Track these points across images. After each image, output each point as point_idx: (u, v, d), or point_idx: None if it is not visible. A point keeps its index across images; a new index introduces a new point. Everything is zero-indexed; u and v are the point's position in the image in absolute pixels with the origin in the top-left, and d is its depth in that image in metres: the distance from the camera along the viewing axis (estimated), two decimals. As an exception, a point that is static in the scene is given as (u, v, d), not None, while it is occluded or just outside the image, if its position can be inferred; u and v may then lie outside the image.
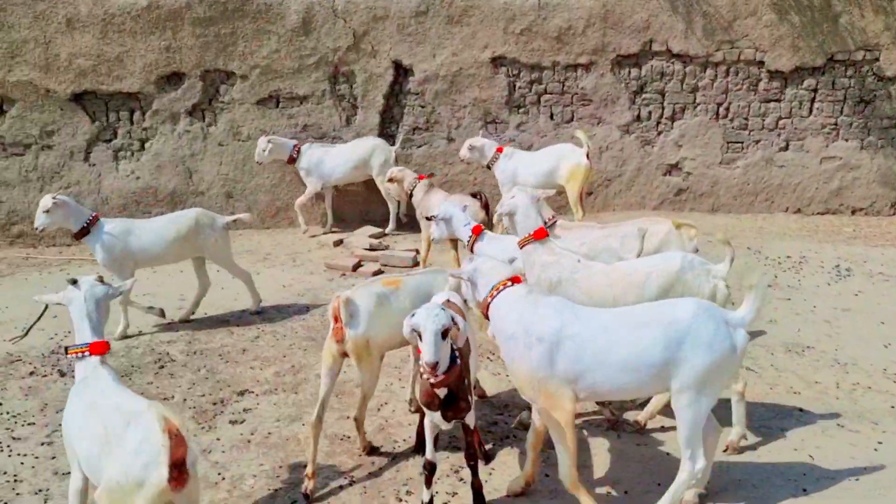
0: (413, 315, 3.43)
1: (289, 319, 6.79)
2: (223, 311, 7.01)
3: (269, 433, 4.87)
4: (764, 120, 9.97)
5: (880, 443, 4.62)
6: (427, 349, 3.29)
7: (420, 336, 3.34)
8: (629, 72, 9.75)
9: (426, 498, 3.86)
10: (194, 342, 6.33)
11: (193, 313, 6.88)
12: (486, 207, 7.38)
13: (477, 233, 5.59)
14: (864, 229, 9.59)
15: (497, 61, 9.62)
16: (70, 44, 9.05)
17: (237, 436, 4.84)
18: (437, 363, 3.31)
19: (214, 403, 5.28)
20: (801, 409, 5.03)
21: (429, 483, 3.84)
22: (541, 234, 4.83)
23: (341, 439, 4.79)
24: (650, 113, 9.91)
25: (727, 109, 9.93)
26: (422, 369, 3.48)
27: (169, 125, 9.50)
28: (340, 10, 9.30)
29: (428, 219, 5.92)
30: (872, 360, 5.78)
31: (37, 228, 6.34)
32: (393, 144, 9.45)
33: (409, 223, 9.42)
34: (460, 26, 9.46)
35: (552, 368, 3.62)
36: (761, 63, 9.73)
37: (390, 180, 8.24)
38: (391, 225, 9.41)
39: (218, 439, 4.80)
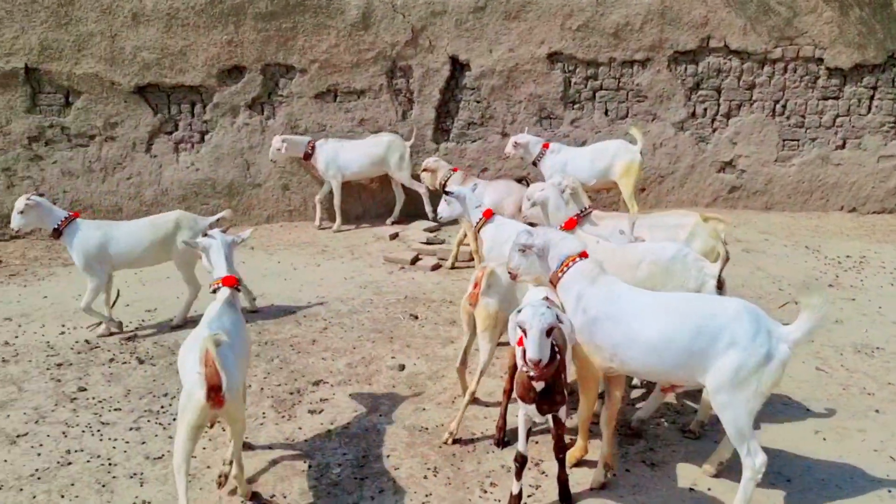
0: (519, 311, 3.51)
1: (354, 312, 6.90)
2: (288, 303, 7.14)
3: (349, 423, 4.98)
4: (821, 118, 9.87)
5: (961, 446, 4.61)
6: (532, 347, 3.39)
7: (525, 333, 3.42)
8: (685, 68, 9.71)
9: (515, 490, 3.93)
10: (264, 332, 6.47)
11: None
12: None
13: (487, 216, 5.80)
14: (922, 229, 9.48)
15: (553, 57, 9.64)
16: (135, 37, 9.24)
17: (317, 425, 4.96)
18: (540, 360, 3.40)
19: (291, 393, 5.41)
20: (877, 411, 5.03)
21: (519, 475, 3.92)
22: (570, 226, 5.27)
23: (419, 431, 4.88)
24: (706, 110, 9.87)
25: (784, 107, 9.85)
26: (523, 364, 3.57)
27: (229, 118, 9.67)
28: (399, 6, 9.38)
29: (446, 192, 6.16)
30: (945, 362, 5.75)
31: (13, 229, 6.36)
32: (409, 139, 9.56)
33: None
34: (517, 22, 9.49)
35: (590, 338, 3.96)
36: (820, 60, 9.63)
37: (425, 170, 8.49)
38: (430, 212, 9.50)
39: (300, 428, 4.92)
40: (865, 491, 4.13)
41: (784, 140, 9.95)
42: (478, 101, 9.80)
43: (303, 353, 6.07)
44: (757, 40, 9.55)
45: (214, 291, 4.40)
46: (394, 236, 9.18)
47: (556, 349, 3.63)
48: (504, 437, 4.67)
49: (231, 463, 4.13)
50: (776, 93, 9.79)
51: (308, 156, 9.38)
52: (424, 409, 5.15)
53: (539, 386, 3.65)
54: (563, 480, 4.03)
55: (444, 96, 9.79)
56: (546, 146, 8.61)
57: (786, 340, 3.65)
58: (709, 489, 4.17)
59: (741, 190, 10.12)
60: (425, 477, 4.35)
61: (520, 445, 3.91)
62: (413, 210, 9.76)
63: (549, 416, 3.82)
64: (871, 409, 5.05)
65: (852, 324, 6.49)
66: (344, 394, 5.40)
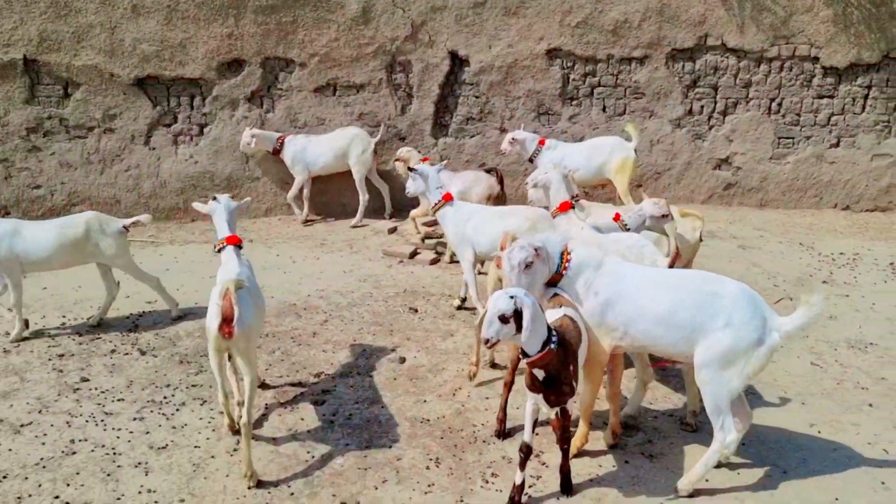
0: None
1: (354, 304, 6.95)
2: (288, 295, 7.17)
3: (351, 415, 5.03)
4: (816, 116, 9.96)
5: (952, 440, 4.70)
6: (483, 326, 3.61)
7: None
8: (683, 66, 9.78)
9: (519, 480, 3.99)
10: (265, 325, 6.49)
11: (102, 319, 6.61)
12: (501, 182, 8.09)
13: (446, 199, 6.29)
14: (915, 227, 9.59)
15: (552, 53, 9.69)
16: (135, 29, 9.24)
17: (320, 416, 5.01)
18: (488, 340, 3.59)
19: (293, 385, 5.46)
20: (870, 405, 5.12)
21: (523, 466, 3.98)
22: (565, 207, 5.58)
23: (421, 422, 4.93)
24: (702, 107, 9.94)
25: (779, 105, 9.93)
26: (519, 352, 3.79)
27: (228, 111, 9.68)
28: (399, 0, 9.41)
29: (410, 169, 6.56)
30: (937, 358, 5.85)
31: None
32: (374, 136, 9.58)
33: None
34: (517, 18, 9.54)
35: (602, 319, 4.12)
36: (816, 59, 9.72)
37: (397, 160, 8.67)
38: (358, 217, 9.61)
39: (302, 419, 4.97)
40: (859, 483, 4.21)
41: (779, 138, 10.04)
42: (476, 97, 9.85)
43: (304, 346, 6.11)
44: (753, 39, 9.62)
45: (219, 251, 4.83)
46: (392, 230, 9.22)
47: (562, 341, 3.70)
48: (505, 429, 4.73)
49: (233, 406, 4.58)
50: (772, 91, 9.87)
51: (277, 151, 9.43)
52: (425, 401, 5.21)
53: (539, 374, 3.73)
54: (565, 471, 4.10)
55: (443, 91, 9.83)
56: (542, 142, 8.67)
57: (778, 330, 3.84)
58: (706, 480, 4.24)
59: (737, 187, 10.20)
60: (427, 468, 4.41)
61: (526, 436, 3.97)
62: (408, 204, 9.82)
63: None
64: (865, 404, 5.14)
65: (846, 319, 6.58)
66: (346, 385, 5.45)
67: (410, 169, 6.55)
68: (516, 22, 9.55)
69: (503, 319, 3.57)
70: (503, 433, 4.72)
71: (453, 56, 9.69)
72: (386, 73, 9.68)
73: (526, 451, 3.96)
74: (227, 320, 4.14)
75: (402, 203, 9.61)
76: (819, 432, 4.76)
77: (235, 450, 4.59)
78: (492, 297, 3.66)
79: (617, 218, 5.59)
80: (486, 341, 3.60)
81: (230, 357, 4.65)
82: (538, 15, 9.52)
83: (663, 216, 5.46)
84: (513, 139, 8.66)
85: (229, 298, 4.14)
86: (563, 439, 3.99)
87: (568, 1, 9.47)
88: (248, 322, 4.26)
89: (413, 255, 8.32)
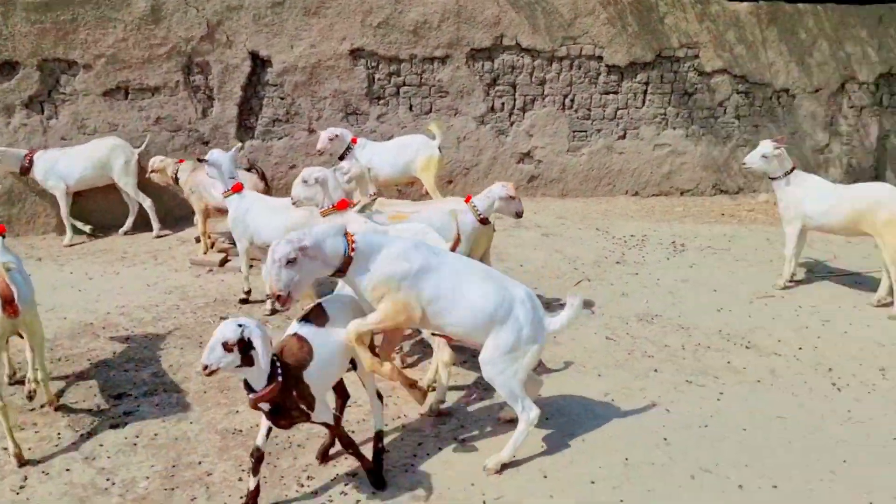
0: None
1: (159, 319, 6.58)
2: (84, 315, 6.65)
3: (156, 434, 4.76)
4: (604, 110, 10.79)
5: (721, 394, 5.30)
6: (204, 352, 3.45)
7: None
8: (483, 65, 10.20)
9: (252, 485, 3.91)
10: (56, 348, 5.98)
11: None
12: (263, 178, 8.27)
13: (236, 190, 6.56)
14: (691, 209, 10.67)
15: (356, 53, 9.72)
16: None
17: (121, 440, 4.70)
18: (206, 367, 3.43)
19: (90, 410, 5.07)
20: (655, 370, 5.65)
21: (255, 471, 3.90)
22: (342, 206, 5.58)
23: (233, 433, 4.78)
24: (503, 104, 10.43)
25: (572, 101, 10.65)
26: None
27: (3, 118, 8.76)
28: (192, -1, 9.02)
29: (200, 160, 6.78)
30: (709, 323, 6.55)
31: None
32: (140, 146, 9.05)
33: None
34: (317, 18, 9.46)
35: (415, 289, 4.03)
36: (600, 58, 10.52)
37: (153, 171, 8.35)
38: (155, 226, 9.04)
39: (101, 445, 4.63)
40: (645, 441, 4.63)
41: (574, 131, 10.76)
42: (282, 98, 9.66)
43: (102, 367, 5.69)
44: (544, 39, 10.24)
45: None
46: (199, 238, 8.79)
47: (280, 371, 3.62)
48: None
49: (37, 381, 4.93)
50: (564, 88, 10.56)
51: (26, 169, 8.57)
52: (238, 411, 5.04)
53: (265, 407, 3.66)
54: (368, 468, 4.16)
55: (247, 93, 9.53)
56: (354, 141, 8.67)
57: (548, 329, 4.27)
58: (514, 457, 4.46)
59: (539, 179, 10.81)
60: (240, 479, 4.27)
61: (258, 440, 3.91)
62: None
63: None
64: (651, 370, 5.66)
65: (636, 296, 7.20)
66: (150, 404, 5.14)
67: (200, 160, 6.67)
68: (317, 22, 9.48)
69: (226, 347, 3.38)
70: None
71: (254, 57, 9.42)
72: (183, 74, 9.23)
73: (257, 457, 3.89)
74: (8, 300, 4.26)
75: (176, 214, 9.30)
76: (612, 400, 5.17)
77: (22, 487, 4.20)
78: (223, 324, 3.48)
79: (468, 199, 5.86)
80: (205, 368, 3.40)
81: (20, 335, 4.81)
82: (339, 15, 9.51)
83: (510, 198, 5.82)
84: (335, 135, 8.49)
85: (2, 279, 4.26)
86: (344, 444, 4.06)
87: (368, 1, 9.54)
88: (28, 298, 4.50)
89: (223, 262, 8.02)
